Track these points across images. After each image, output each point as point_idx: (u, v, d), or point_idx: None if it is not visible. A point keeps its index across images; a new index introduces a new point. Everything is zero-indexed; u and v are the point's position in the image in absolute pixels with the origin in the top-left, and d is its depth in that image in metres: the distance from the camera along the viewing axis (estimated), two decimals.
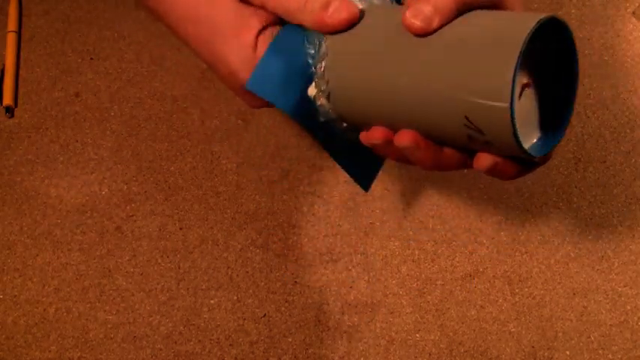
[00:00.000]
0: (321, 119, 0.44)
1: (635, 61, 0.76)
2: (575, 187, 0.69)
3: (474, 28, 0.38)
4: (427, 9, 0.38)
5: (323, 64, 0.43)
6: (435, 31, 0.39)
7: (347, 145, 0.45)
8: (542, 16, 0.37)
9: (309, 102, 0.43)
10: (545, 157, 0.41)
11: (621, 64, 0.75)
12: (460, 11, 0.39)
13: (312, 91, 0.43)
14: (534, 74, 0.40)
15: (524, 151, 0.38)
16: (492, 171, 0.41)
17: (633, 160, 0.70)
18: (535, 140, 0.41)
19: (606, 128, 0.72)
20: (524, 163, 0.41)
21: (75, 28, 0.78)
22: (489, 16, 0.39)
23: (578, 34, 0.77)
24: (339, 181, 0.69)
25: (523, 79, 0.39)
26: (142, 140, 0.72)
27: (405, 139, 0.41)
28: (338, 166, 0.70)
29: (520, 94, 0.39)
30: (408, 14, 0.39)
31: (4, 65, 0.75)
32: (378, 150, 0.44)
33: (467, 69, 0.37)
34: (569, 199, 0.68)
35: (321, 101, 0.43)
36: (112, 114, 0.73)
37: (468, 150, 0.42)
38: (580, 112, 0.73)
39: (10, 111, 0.73)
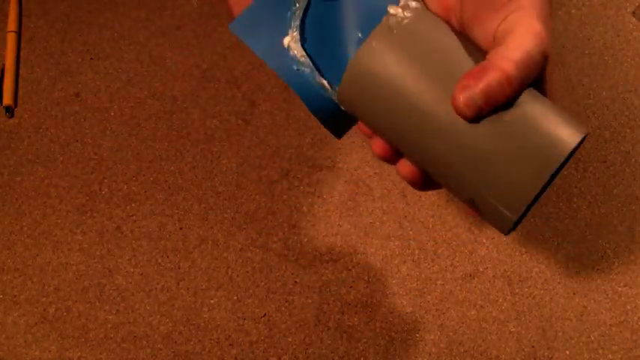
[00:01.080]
0: (295, 68, 0.45)
1: (635, 61, 0.76)
2: (575, 187, 0.69)
3: (514, 130, 0.37)
4: (479, 97, 0.36)
5: (299, 13, 0.43)
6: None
7: (321, 95, 0.46)
8: (578, 138, 0.37)
9: (286, 51, 0.44)
10: None
11: (621, 64, 0.75)
12: (516, 92, 0.37)
13: (287, 40, 0.44)
14: None
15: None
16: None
17: (633, 160, 0.70)
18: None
19: (606, 128, 0.72)
20: None
21: (75, 28, 0.78)
22: (533, 119, 0.38)
23: (578, 34, 0.77)
24: (339, 181, 0.70)
25: None
26: (142, 140, 0.72)
27: (406, 173, 0.42)
28: (338, 166, 0.70)
29: None
30: (461, 99, 0.36)
31: (4, 65, 0.75)
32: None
33: (494, 168, 0.38)
34: (569, 199, 0.68)
35: (295, 52, 0.44)
36: (112, 114, 0.73)
37: None
38: (580, 112, 0.73)
39: (10, 111, 0.73)
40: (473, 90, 0.36)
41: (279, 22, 0.44)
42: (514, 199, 0.38)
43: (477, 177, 0.39)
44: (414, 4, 0.40)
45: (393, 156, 0.42)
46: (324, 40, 0.45)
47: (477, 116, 0.37)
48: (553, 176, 0.41)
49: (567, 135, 0.37)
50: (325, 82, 0.44)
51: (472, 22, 0.39)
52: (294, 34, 0.44)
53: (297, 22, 0.44)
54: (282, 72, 0.45)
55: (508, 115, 0.37)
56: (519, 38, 0.36)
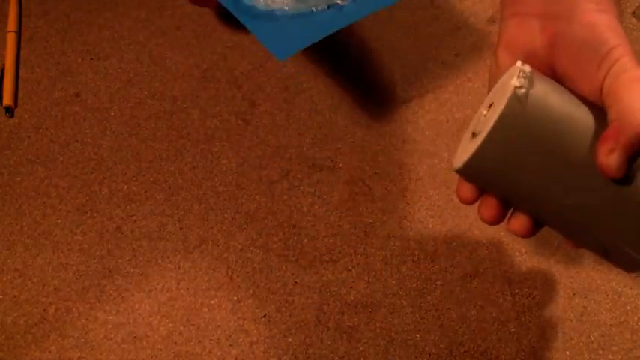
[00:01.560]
0: None
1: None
2: None
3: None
4: (622, 156, 0.38)
5: None
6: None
7: (257, 12, 0.45)
8: None
9: None
10: None
11: None
12: None
13: None
14: None
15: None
16: None
17: None
18: None
19: None
20: None
21: (75, 28, 0.78)
22: None
23: None
24: (339, 181, 0.69)
25: None
26: (142, 140, 0.72)
27: (518, 228, 0.43)
28: (338, 166, 0.70)
29: None
30: (612, 163, 0.38)
31: (4, 65, 0.75)
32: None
33: (632, 218, 0.39)
34: None
35: None
36: (112, 114, 0.73)
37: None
38: None
39: (10, 111, 0.73)
40: (617, 151, 0.38)
41: None
42: None
43: (613, 229, 0.40)
44: (527, 68, 0.40)
45: (501, 219, 0.44)
46: None
47: (624, 174, 0.38)
48: None
49: None
50: None
51: (569, 74, 0.41)
52: None
53: None
54: None
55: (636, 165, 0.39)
56: (631, 89, 0.39)
